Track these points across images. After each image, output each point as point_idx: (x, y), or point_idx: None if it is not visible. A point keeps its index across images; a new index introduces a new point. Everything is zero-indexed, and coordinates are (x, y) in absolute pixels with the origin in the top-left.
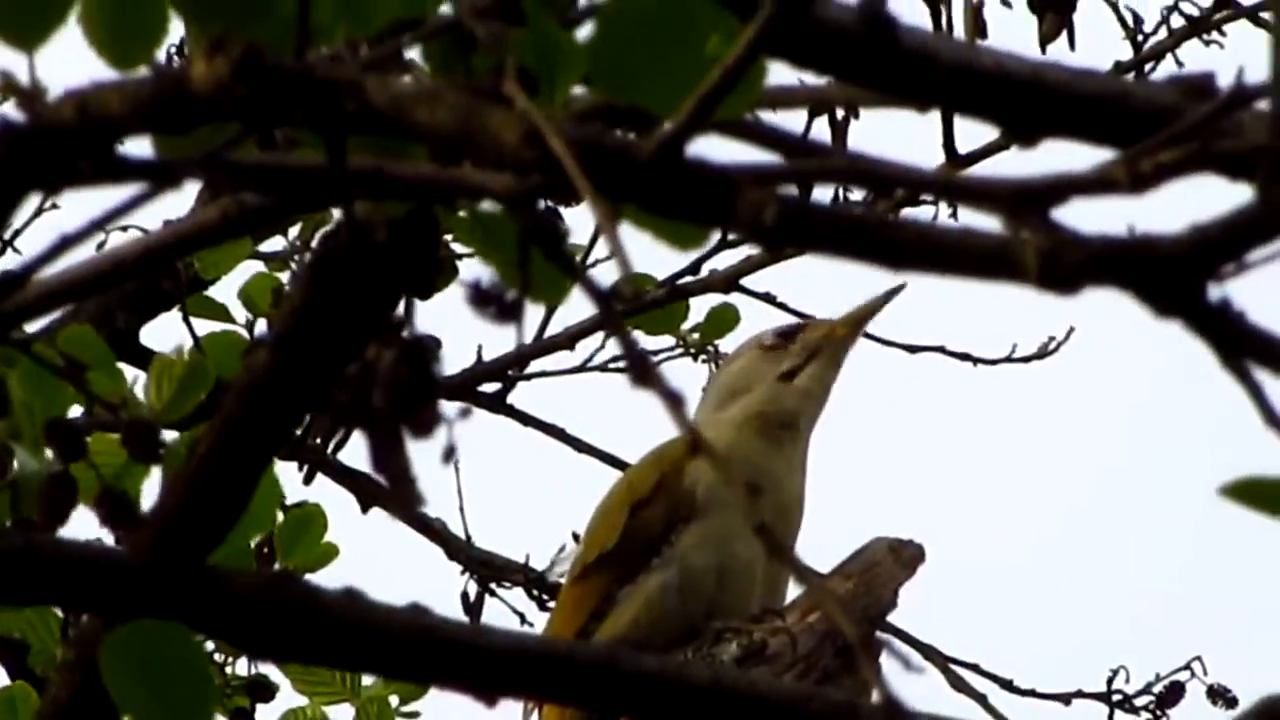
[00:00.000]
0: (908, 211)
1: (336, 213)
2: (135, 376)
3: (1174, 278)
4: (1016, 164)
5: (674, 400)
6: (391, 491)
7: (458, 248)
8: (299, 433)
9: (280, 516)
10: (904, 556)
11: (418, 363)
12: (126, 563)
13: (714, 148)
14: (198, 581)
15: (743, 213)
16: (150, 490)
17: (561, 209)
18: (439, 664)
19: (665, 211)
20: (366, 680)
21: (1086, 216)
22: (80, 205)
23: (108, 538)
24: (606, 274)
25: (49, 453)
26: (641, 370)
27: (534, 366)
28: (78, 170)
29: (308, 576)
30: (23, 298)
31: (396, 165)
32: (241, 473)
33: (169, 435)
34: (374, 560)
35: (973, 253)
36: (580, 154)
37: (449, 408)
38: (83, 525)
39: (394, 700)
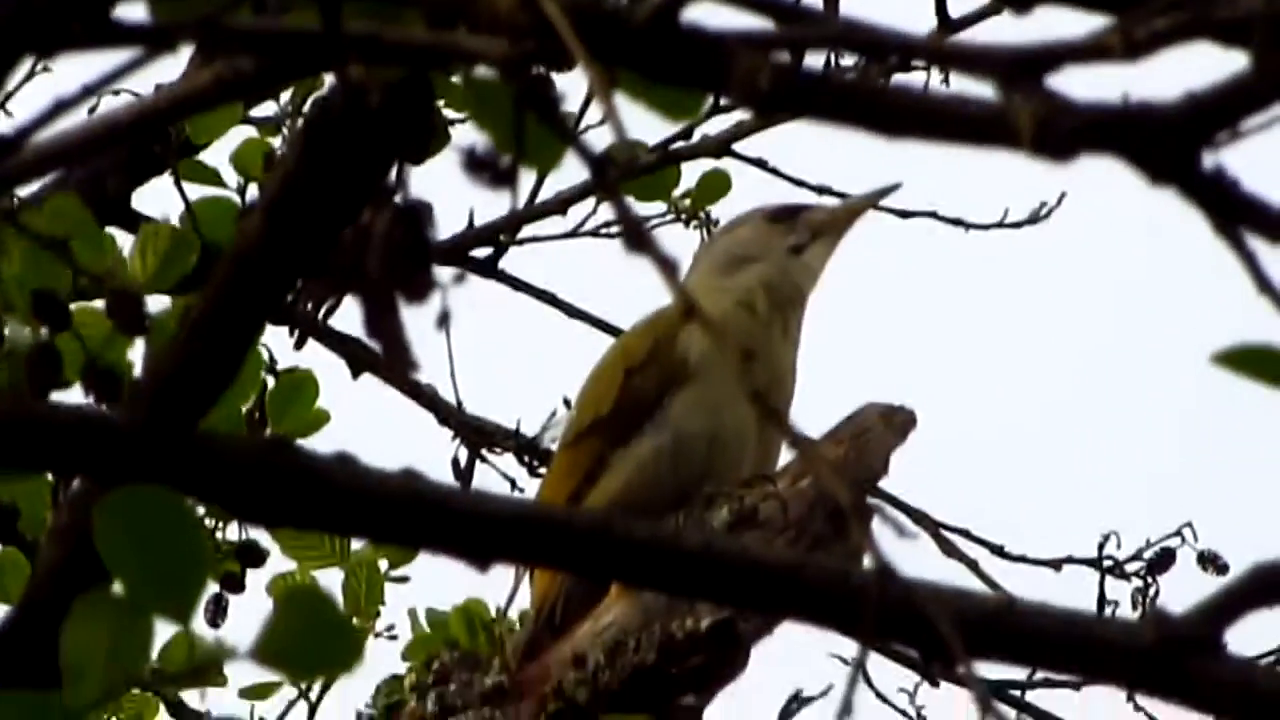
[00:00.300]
0: (899, 78)
1: (329, 78)
2: (126, 242)
3: (1168, 145)
4: (1010, 30)
5: (668, 266)
6: (386, 356)
7: (449, 113)
8: (290, 298)
9: (271, 382)
10: (895, 422)
11: (412, 227)
12: (119, 428)
13: (708, 13)
14: (191, 447)
15: (737, 78)
16: (137, 360)
17: (554, 75)
18: (433, 529)
19: (659, 77)
20: (356, 544)
21: (1080, 84)
22: (73, 69)
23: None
24: (599, 139)
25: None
26: (636, 236)
27: (525, 231)
28: (72, 34)
29: (299, 442)
30: (17, 161)
31: (392, 30)
32: (234, 339)
33: (158, 304)
34: (365, 426)
35: (967, 119)
36: (575, 19)
37: (443, 273)
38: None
39: (383, 564)
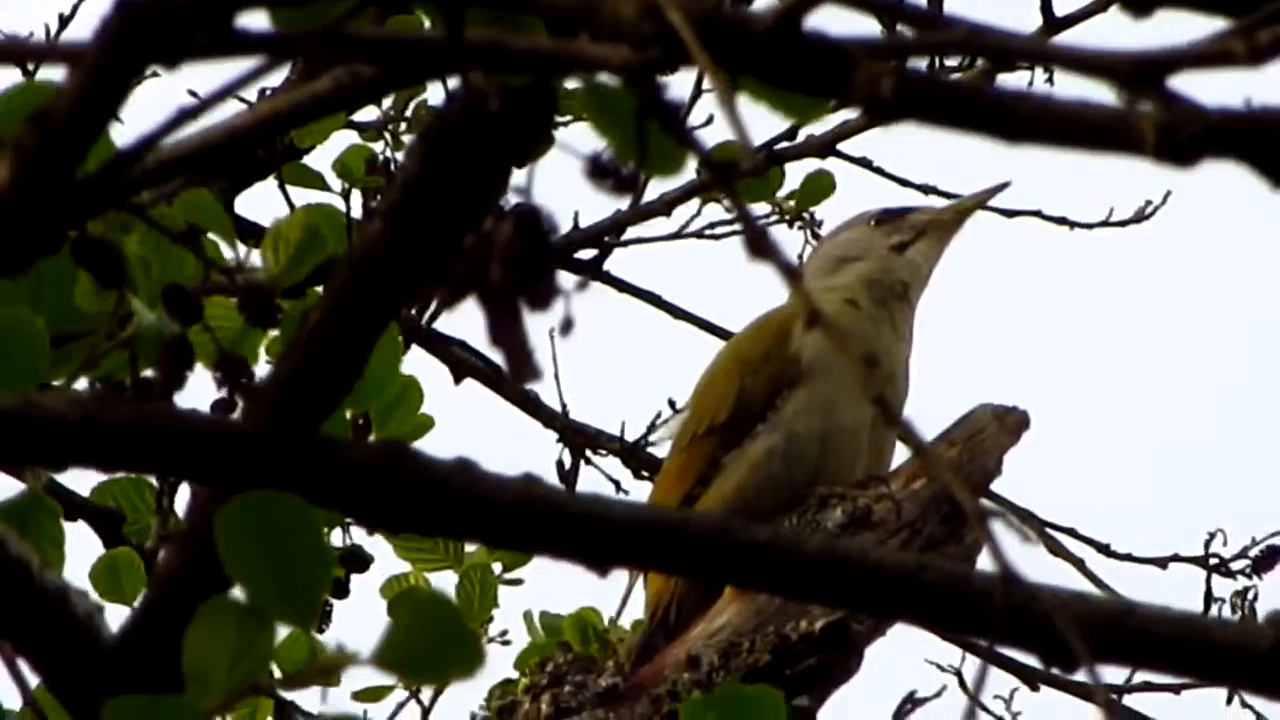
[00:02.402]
0: (1004, 78)
1: (435, 84)
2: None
3: None
4: (1115, 30)
5: (790, 272)
6: (508, 364)
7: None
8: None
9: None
10: (1008, 423)
11: (535, 234)
12: (240, 433)
13: (831, 20)
14: (311, 452)
15: (860, 86)
16: (266, 357)
17: (667, 77)
18: (552, 534)
19: (782, 84)
20: (470, 547)
21: (1200, 89)
22: (192, 78)
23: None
24: (707, 138)
25: (165, 317)
26: (758, 242)
27: (630, 233)
28: (197, 43)
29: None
30: (139, 169)
31: (514, 38)
32: (353, 343)
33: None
34: (467, 431)
35: (1090, 125)
36: (698, 27)
37: (565, 279)
38: (201, 391)
39: (497, 567)
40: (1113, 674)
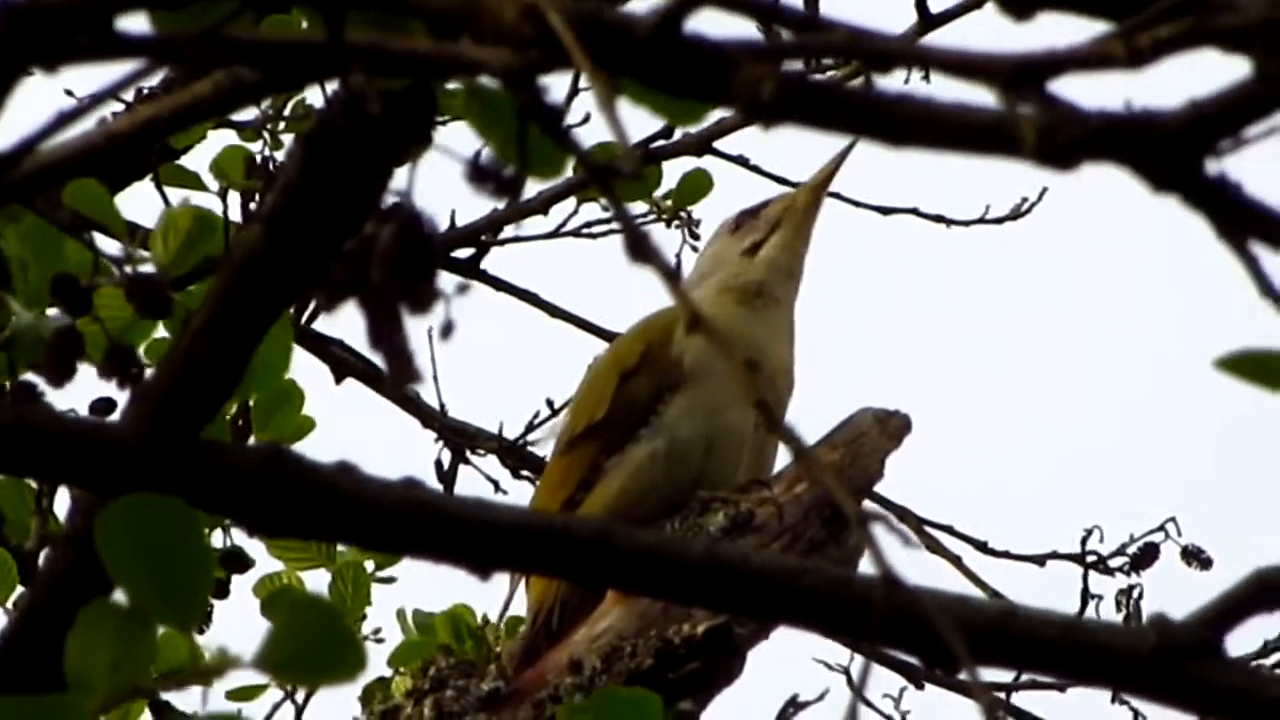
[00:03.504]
0: (878, 79)
1: (317, 86)
2: (108, 246)
3: (1172, 153)
4: (991, 29)
5: (670, 275)
6: (389, 367)
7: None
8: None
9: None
10: (890, 426)
11: (415, 238)
12: (120, 437)
13: (710, 23)
14: (193, 456)
15: (740, 89)
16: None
17: (548, 81)
18: (435, 538)
19: (663, 87)
20: (342, 546)
21: (1082, 92)
22: (66, 81)
23: (114, 392)
24: (587, 137)
25: (53, 310)
26: (638, 245)
27: (507, 231)
28: (77, 46)
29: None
30: (18, 173)
31: (395, 40)
32: (236, 347)
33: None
34: (347, 430)
35: (971, 128)
36: (578, 29)
37: (447, 282)
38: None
39: (370, 565)
40: (999, 672)
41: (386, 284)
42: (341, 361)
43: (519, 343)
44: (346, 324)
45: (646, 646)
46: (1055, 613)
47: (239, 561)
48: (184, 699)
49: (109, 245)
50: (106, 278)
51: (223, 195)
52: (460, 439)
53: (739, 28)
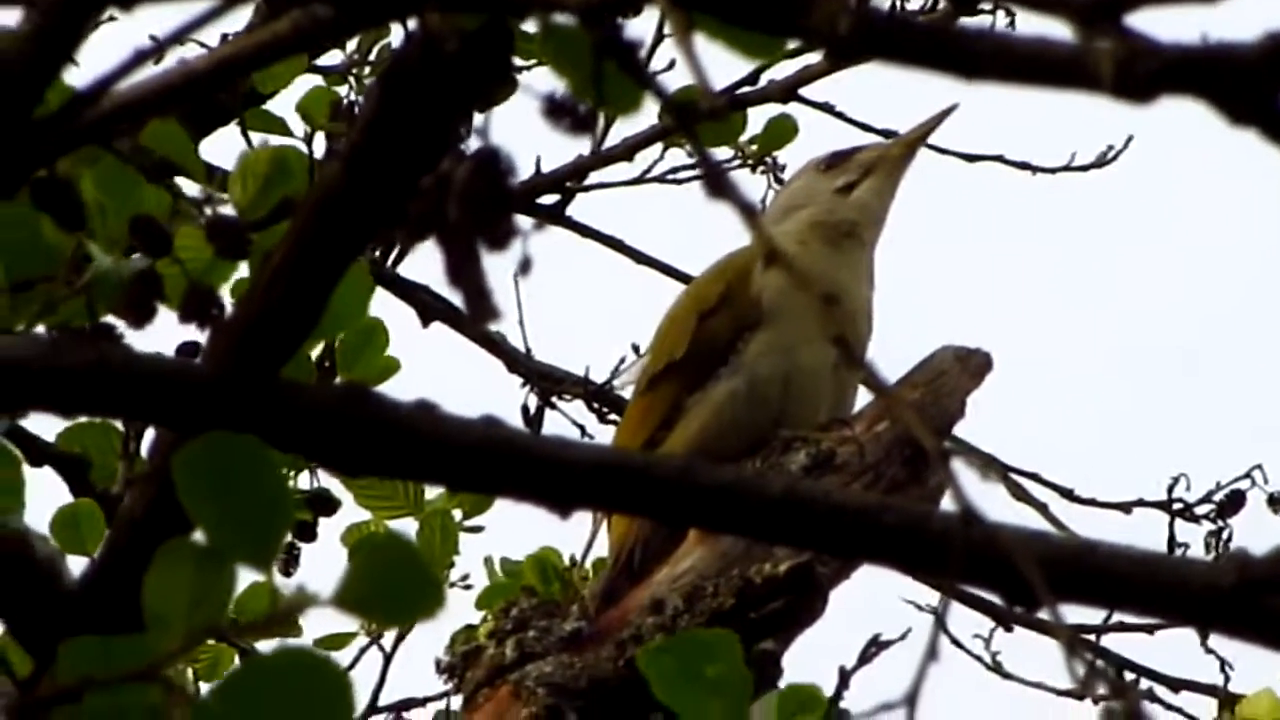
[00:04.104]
0: (963, 20)
1: (397, 28)
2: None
3: (1249, 86)
4: None
5: (748, 211)
6: (467, 305)
7: (515, 60)
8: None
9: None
10: (971, 365)
11: (492, 175)
12: (199, 375)
13: None
14: (271, 395)
15: (817, 22)
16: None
17: (627, 18)
18: (514, 476)
19: (739, 20)
20: (430, 494)
21: (1159, 24)
22: (142, 22)
23: (195, 334)
24: (669, 82)
25: (135, 254)
26: (716, 182)
27: (592, 178)
28: None
29: (375, 390)
30: (97, 111)
31: None
32: (314, 285)
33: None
34: (434, 374)
35: (1048, 62)
36: None
37: (522, 220)
38: (168, 326)
39: (457, 514)
40: (1089, 615)
41: (463, 221)
42: (427, 306)
43: (605, 288)
44: (432, 268)
45: (728, 586)
46: (1136, 548)
47: (325, 504)
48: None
49: (189, 188)
50: (186, 219)
51: (308, 139)
52: (547, 383)
53: None
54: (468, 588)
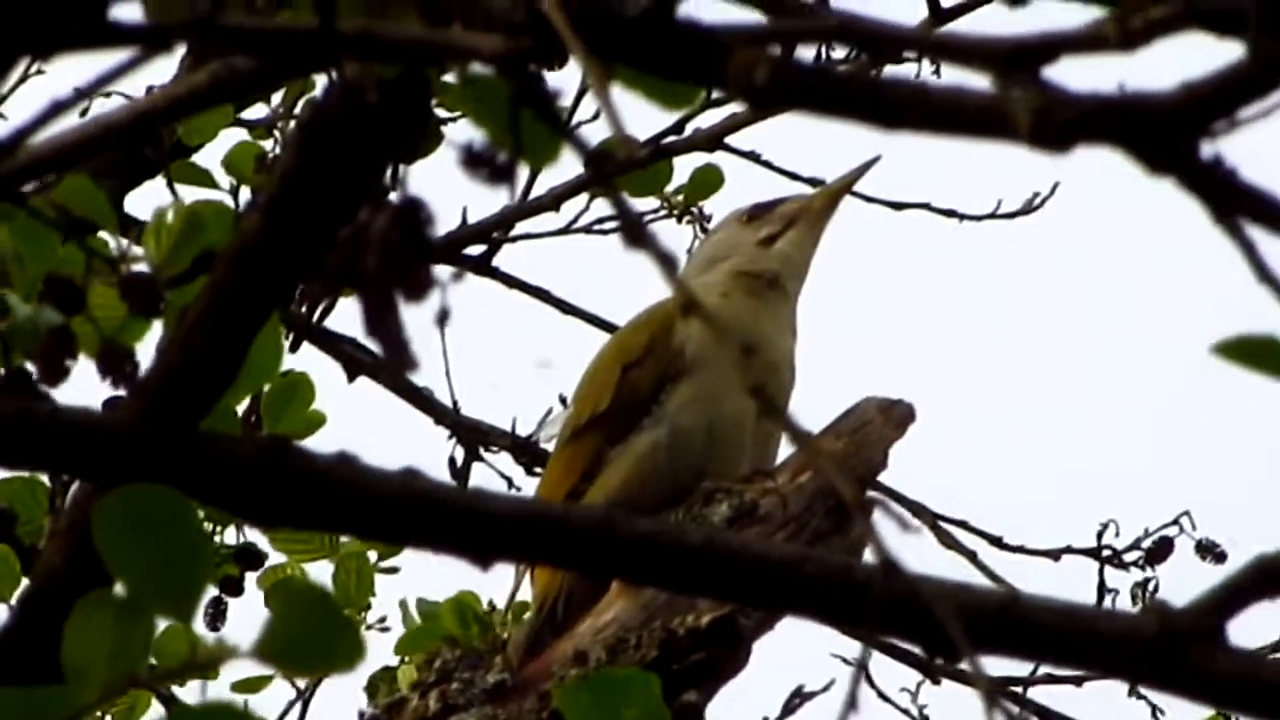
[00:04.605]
0: (891, 69)
1: (322, 79)
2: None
3: (1166, 135)
4: (1002, 21)
5: (666, 261)
6: (385, 355)
7: (441, 112)
8: (285, 301)
9: (266, 385)
10: (894, 416)
11: (411, 225)
12: (121, 428)
13: (703, 7)
14: (191, 447)
15: (734, 73)
16: (149, 350)
17: (546, 71)
18: (434, 528)
19: (656, 71)
20: (345, 537)
21: (1076, 75)
22: (67, 72)
23: (109, 391)
24: (594, 134)
25: (47, 309)
26: (634, 232)
27: (519, 228)
28: (70, 34)
29: (298, 443)
30: (13, 163)
31: (387, 27)
32: (233, 338)
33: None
34: (360, 428)
35: (965, 112)
36: (570, 14)
37: (441, 270)
38: (82, 382)
39: (372, 556)
40: (1017, 667)
41: (381, 271)
42: (354, 359)
43: (531, 340)
44: (358, 322)
45: (651, 638)
46: (1057, 599)
47: (252, 558)
48: (191, 694)
49: (109, 241)
50: (100, 275)
51: (234, 192)
52: (474, 436)
53: (732, 13)
54: (385, 629)
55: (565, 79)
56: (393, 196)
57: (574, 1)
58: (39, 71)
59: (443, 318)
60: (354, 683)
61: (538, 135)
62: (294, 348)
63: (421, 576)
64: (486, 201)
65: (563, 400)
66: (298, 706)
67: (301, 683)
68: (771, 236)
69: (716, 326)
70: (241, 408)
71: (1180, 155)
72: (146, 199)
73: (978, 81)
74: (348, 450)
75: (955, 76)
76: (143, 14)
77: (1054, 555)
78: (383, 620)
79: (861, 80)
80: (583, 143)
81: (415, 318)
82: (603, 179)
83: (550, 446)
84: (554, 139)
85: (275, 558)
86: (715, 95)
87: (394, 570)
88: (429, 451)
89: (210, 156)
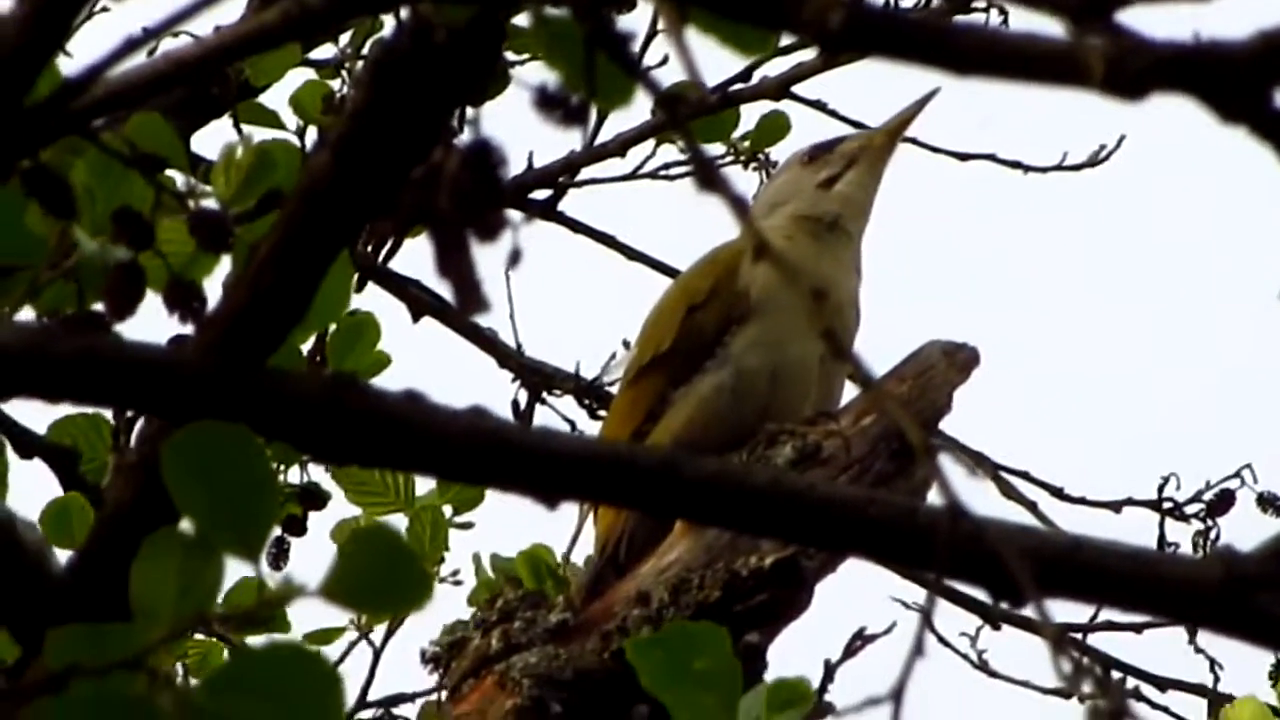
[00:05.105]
0: (958, 18)
1: (390, 19)
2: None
3: (1240, 84)
4: None
5: (738, 204)
6: (456, 296)
7: (509, 54)
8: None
9: (332, 325)
10: (958, 359)
11: (484, 166)
12: (188, 365)
13: None
14: (258, 384)
15: (809, 16)
16: (216, 287)
17: (620, 12)
18: (500, 467)
19: (731, 15)
20: (420, 490)
21: (1150, 22)
22: (133, 11)
23: (176, 328)
24: (664, 78)
25: (116, 245)
26: (707, 174)
27: (585, 174)
28: None
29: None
30: (87, 98)
31: None
32: (301, 275)
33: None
34: (423, 370)
35: (1038, 58)
36: None
37: (512, 212)
38: (151, 316)
39: (447, 510)
40: (1076, 613)
41: (454, 212)
42: (418, 301)
43: (596, 284)
44: (424, 262)
45: (714, 578)
46: (1123, 544)
47: (315, 497)
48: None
49: (178, 180)
50: (169, 212)
51: (300, 133)
52: (537, 379)
53: None
54: (458, 584)
55: (634, 20)
56: (463, 137)
57: None
58: (103, 9)
59: (514, 259)
60: (427, 636)
61: (611, 78)
62: (359, 287)
63: (496, 533)
64: (553, 146)
65: (626, 344)
66: (369, 656)
67: (375, 635)
68: (832, 178)
69: (788, 270)
70: (306, 347)
71: (1254, 104)
72: (212, 140)
73: (1050, 28)
74: (415, 389)
75: (1026, 23)
76: None
77: (1115, 507)
78: (456, 573)
79: (934, 25)
80: (657, 85)
81: (485, 259)
82: (677, 122)
83: (614, 390)
84: (627, 82)
85: (349, 510)
86: (784, 43)
87: (469, 525)
88: (492, 394)
89: (278, 97)
